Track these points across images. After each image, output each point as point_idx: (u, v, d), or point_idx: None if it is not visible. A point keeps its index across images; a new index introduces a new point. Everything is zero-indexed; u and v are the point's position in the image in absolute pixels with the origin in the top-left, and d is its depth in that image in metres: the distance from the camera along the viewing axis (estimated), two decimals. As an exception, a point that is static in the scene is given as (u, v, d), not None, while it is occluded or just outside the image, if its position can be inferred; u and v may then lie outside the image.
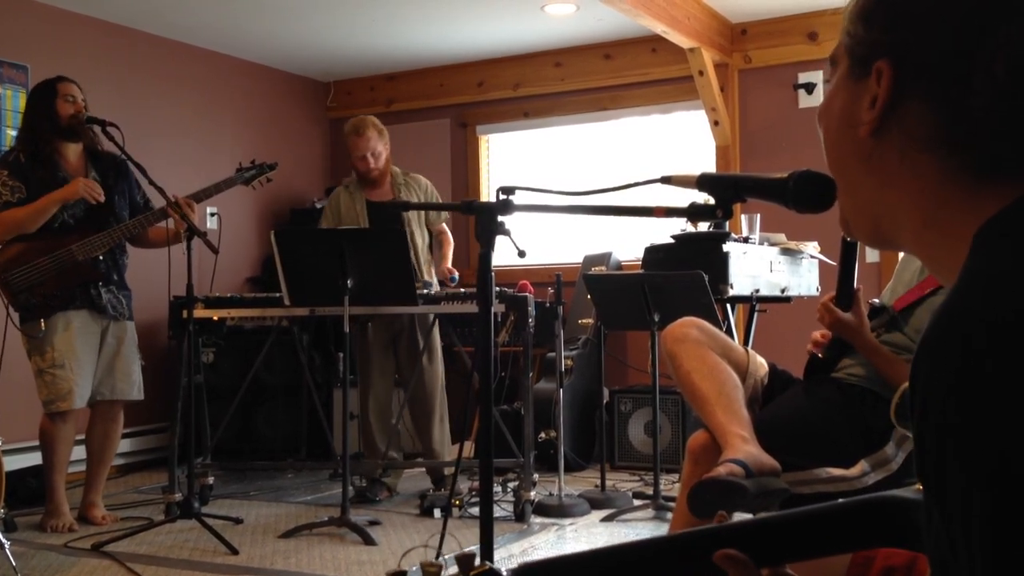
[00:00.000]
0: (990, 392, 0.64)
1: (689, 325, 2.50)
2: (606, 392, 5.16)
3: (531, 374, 4.56)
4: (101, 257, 4.15)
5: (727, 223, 4.22)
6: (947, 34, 0.80)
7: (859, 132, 0.86)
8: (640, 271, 4.57)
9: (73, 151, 4.23)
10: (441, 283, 4.86)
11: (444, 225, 5.04)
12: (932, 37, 0.81)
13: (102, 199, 4.07)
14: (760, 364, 2.57)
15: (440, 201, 5.08)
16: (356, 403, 4.98)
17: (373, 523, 4.16)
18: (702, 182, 1.59)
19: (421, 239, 4.83)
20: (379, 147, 4.77)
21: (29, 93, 4.24)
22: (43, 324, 4.05)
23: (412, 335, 4.80)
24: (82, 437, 4.33)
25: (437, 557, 3.23)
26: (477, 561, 0.83)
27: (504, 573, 0.83)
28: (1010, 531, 0.63)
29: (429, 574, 0.80)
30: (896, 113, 0.83)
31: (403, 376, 4.88)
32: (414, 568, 3.21)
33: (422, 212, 4.87)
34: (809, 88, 5.80)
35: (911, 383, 0.71)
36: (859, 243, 2.45)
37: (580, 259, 6.09)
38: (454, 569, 0.83)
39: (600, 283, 4.49)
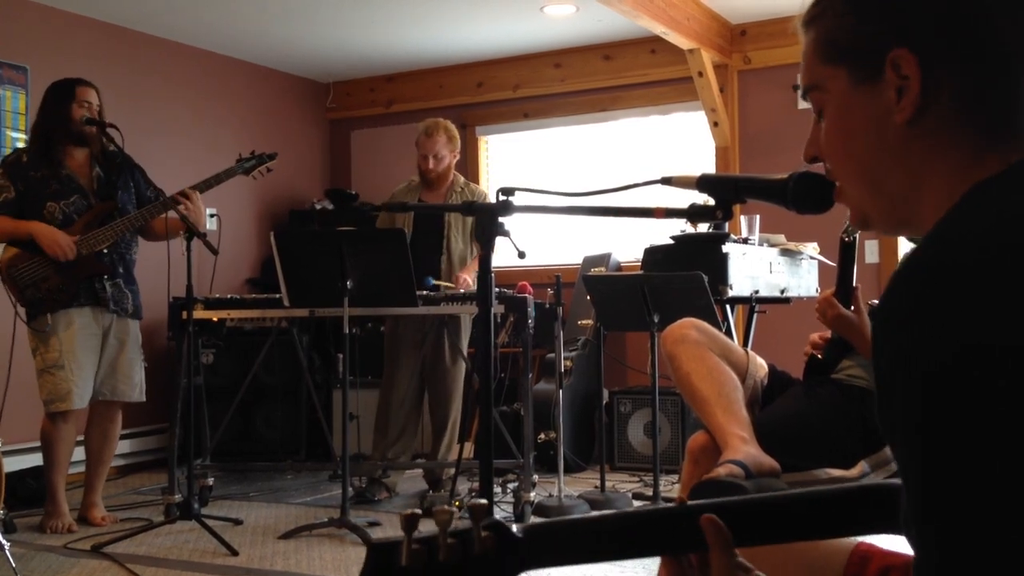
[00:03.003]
0: (947, 313, 0.68)
1: (688, 326, 2.50)
2: (606, 393, 5.16)
3: (531, 375, 4.55)
4: (105, 251, 4.16)
5: (727, 224, 4.22)
6: None
7: (895, 122, 0.84)
8: (639, 272, 4.57)
9: (80, 152, 4.24)
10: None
11: None
12: (938, 4, 0.79)
13: (68, 258, 4.04)
14: (760, 365, 2.57)
15: None
16: (356, 404, 4.96)
17: (373, 524, 4.16)
18: (702, 183, 1.59)
19: (460, 246, 4.83)
20: (443, 151, 4.81)
21: (47, 90, 4.24)
22: (49, 319, 4.06)
23: (440, 335, 4.80)
24: (81, 438, 4.33)
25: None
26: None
27: (513, 529, 0.84)
28: (940, 417, 0.68)
29: (441, 520, 0.81)
30: (930, 93, 0.81)
31: (424, 375, 4.87)
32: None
33: (467, 220, 4.86)
34: (809, 89, 5.80)
35: (879, 313, 0.74)
36: (857, 243, 2.45)
37: (579, 260, 6.09)
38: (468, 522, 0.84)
39: (600, 284, 4.49)
